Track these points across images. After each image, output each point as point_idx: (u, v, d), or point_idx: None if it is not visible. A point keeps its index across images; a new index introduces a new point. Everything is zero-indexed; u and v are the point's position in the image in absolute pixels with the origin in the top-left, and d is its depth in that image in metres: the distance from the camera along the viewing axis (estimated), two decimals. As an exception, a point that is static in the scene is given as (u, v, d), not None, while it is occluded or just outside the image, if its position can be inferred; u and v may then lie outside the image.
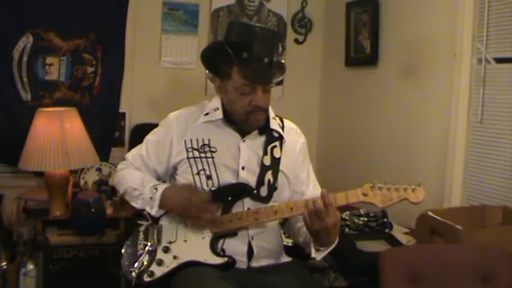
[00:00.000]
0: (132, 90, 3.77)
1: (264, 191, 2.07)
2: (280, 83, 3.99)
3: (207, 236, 2.04)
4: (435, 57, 3.03)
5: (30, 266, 3.05)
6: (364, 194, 1.95)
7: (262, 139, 2.14)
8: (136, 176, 2.15)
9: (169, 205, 2.04)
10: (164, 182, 2.21)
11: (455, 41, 2.86)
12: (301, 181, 2.19)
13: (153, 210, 2.06)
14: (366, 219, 2.92)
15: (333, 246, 2.02)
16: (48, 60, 3.53)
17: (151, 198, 2.05)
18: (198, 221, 2.01)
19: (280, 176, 2.11)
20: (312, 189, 2.19)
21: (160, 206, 2.06)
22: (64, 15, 3.49)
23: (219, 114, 2.13)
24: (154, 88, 3.85)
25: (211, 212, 1.99)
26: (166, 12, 3.82)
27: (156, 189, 2.06)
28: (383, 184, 1.95)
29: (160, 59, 3.84)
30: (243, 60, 2.00)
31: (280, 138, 2.16)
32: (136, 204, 2.12)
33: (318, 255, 2.00)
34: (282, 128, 2.19)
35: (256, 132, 2.13)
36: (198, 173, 2.09)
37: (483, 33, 2.75)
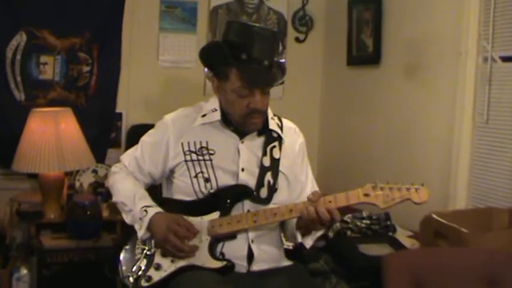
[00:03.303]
0: (129, 90, 3.76)
1: (263, 193, 2.07)
2: (281, 82, 3.98)
3: (206, 239, 2.04)
4: (439, 56, 3.03)
5: (24, 271, 3.04)
6: (366, 195, 1.95)
7: (261, 140, 2.14)
8: (128, 188, 2.14)
9: (153, 231, 2.04)
10: (161, 185, 2.21)
11: (460, 40, 2.85)
12: (300, 182, 2.19)
13: (140, 232, 2.05)
14: (368, 222, 2.92)
15: (318, 234, 2.11)
16: (43, 59, 3.52)
17: (140, 218, 2.05)
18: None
19: (280, 177, 2.11)
20: (310, 190, 2.17)
21: (148, 229, 2.04)
22: (59, 12, 3.48)
23: (217, 116, 2.12)
24: (151, 88, 3.84)
25: (186, 252, 2.00)
26: (164, 10, 3.81)
27: (146, 211, 2.04)
28: (385, 184, 1.95)
29: (157, 58, 3.83)
30: (242, 62, 1.99)
31: (279, 138, 2.16)
32: (126, 218, 2.12)
33: (304, 240, 2.06)
34: (281, 127, 2.19)
35: (254, 133, 2.13)
36: (196, 176, 2.08)
37: (489, 31, 2.75)
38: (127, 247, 2.10)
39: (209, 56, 2.10)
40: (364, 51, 3.65)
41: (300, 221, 2.01)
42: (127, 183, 2.17)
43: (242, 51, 1.99)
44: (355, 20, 3.72)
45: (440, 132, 3.02)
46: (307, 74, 4.17)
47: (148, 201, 2.10)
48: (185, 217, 2.05)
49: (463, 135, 2.86)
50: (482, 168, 2.82)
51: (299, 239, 2.06)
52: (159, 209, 2.06)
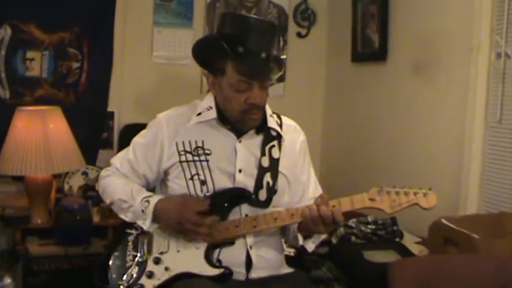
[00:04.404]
0: (122, 88, 3.76)
1: (262, 195, 2.06)
2: (282, 79, 4.00)
3: (202, 245, 2.04)
4: (449, 52, 3.02)
5: (8, 280, 3.01)
6: (371, 199, 1.96)
7: (259, 139, 2.14)
8: (124, 185, 2.14)
9: (163, 220, 2.04)
10: (154, 189, 2.22)
11: (471, 34, 2.85)
12: (302, 183, 2.19)
13: (146, 225, 2.05)
14: (374, 227, 2.92)
15: (320, 239, 2.12)
16: (29, 54, 3.52)
17: (142, 211, 2.05)
18: (194, 236, 2.02)
19: (280, 178, 2.11)
20: (313, 191, 2.19)
21: (154, 220, 2.05)
22: (46, 5, 3.48)
23: (213, 114, 2.12)
24: (145, 85, 3.85)
25: (208, 225, 1.99)
26: (158, 3, 3.82)
27: (148, 201, 2.05)
28: (391, 188, 1.95)
29: (152, 54, 3.85)
30: (239, 55, 2.00)
31: (279, 137, 2.16)
32: (126, 217, 2.11)
33: (305, 243, 2.07)
34: (280, 125, 2.19)
35: (252, 131, 2.13)
36: (192, 178, 2.08)
37: (502, 25, 2.74)
38: (116, 254, 2.09)
39: (204, 50, 2.10)
40: (369, 47, 3.65)
41: (301, 223, 2.01)
42: (121, 182, 2.17)
43: (238, 44, 1.99)
44: (360, 13, 3.72)
45: (450, 132, 3.01)
46: (310, 71, 4.18)
47: (147, 192, 2.11)
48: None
49: (475, 136, 2.85)
50: (494, 171, 2.81)
51: (300, 241, 2.07)
52: (160, 196, 2.07)
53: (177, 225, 2.01)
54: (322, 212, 1.93)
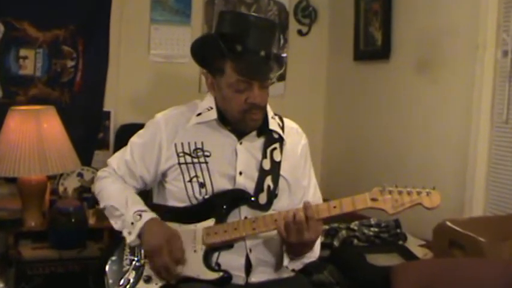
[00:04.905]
0: (118, 87, 3.76)
1: (263, 198, 2.06)
2: (283, 78, 3.99)
3: (200, 248, 2.02)
4: (455, 50, 3.02)
5: (0, 285, 3.02)
6: (373, 199, 1.95)
7: (260, 141, 2.13)
8: (120, 192, 2.13)
9: (145, 240, 2.00)
10: (152, 190, 2.20)
11: (477, 32, 2.84)
12: (302, 187, 2.19)
13: (130, 238, 2.01)
14: (376, 229, 2.91)
15: (309, 260, 2.10)
16: (22, 52, 3.51)
17: (132, 223, 2.02)
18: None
19: (280, 181, 2.10)
20: (312, 196, 2.19)
21: (139, 236, 2.02)
22: (40, 2, 3.48)
23: (213, 114, 2.12)
24: (142, 85, 3.84)
25: (173, 276, 1.97)
26: (155, 0, 3.81)
27: (140, 216, 2.02)
28: (394, 188, 1.95)
29: (149, 53, 3.84)
30: (237, 54, 1.99)
31: (281, 139, 2.16)
32: (116, 224, 2.09)
33: (291, 264, 2.05)
34: (282, 128, 2.19)
35: (254, 133, 2.13)
36: (191, 181, 2.07)
37: (509, 22, 2.74)
38: (114, 258, 2.08)
39: (202, 49, 2.10)
40: (372, 45, 3.65)
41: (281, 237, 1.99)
42: (117, 187, 2.16)
43: (237, 43, 1.99)
44: (363, 11, 3.71)
45: (455, 132, 3.01)
46: (311, 69, 4.18)
47: (143, 205, 2.08)
48: (178, 225, 2.04)
49: (480, 136, 2.85)
50: (501, 172, 2.80)
51: (285, 262, 2.05)
52: (154, 215, 2.04)
53: (151, 253, 1.98)
54: (296, 216, 1.91)
